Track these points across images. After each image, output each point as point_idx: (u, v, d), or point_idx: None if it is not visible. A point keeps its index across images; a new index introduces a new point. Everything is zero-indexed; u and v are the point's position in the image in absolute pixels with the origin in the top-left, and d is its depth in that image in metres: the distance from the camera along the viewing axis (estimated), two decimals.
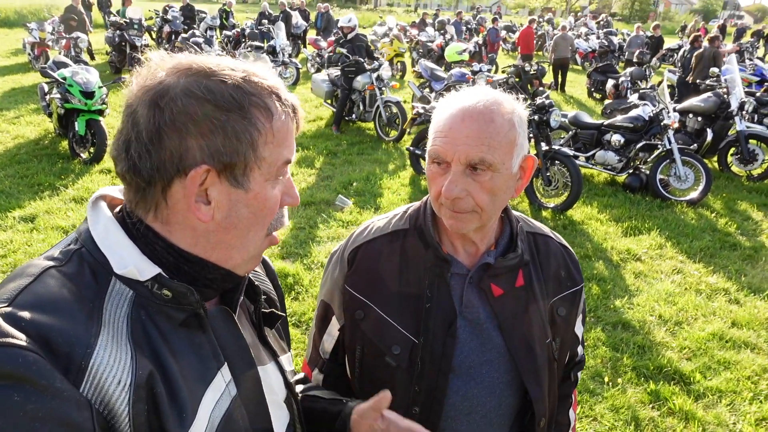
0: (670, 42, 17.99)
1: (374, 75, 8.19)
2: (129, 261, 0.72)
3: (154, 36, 17.44)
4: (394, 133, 8.24)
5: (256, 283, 0.92)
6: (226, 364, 0.79)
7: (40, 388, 0.59)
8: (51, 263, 0.70)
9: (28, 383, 0.58)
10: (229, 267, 0.80)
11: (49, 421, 0.59)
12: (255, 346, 0.88)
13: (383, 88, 8.21)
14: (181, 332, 0.74)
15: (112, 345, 0.67)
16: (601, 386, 3.19)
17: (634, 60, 12.21)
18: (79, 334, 0.64)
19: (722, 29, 19.99)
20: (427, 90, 9.20)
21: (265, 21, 15.54)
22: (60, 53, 11.08)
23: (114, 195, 0.81)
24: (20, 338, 0.60)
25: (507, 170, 1.04)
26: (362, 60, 8.37)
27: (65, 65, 7.30)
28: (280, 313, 0.96)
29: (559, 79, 13.38)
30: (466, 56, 11.40)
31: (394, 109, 8.08)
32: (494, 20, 17.90)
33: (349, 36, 8.79)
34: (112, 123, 8.30)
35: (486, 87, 1.08)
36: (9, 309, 0.62)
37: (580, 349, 1.35)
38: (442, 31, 17.72)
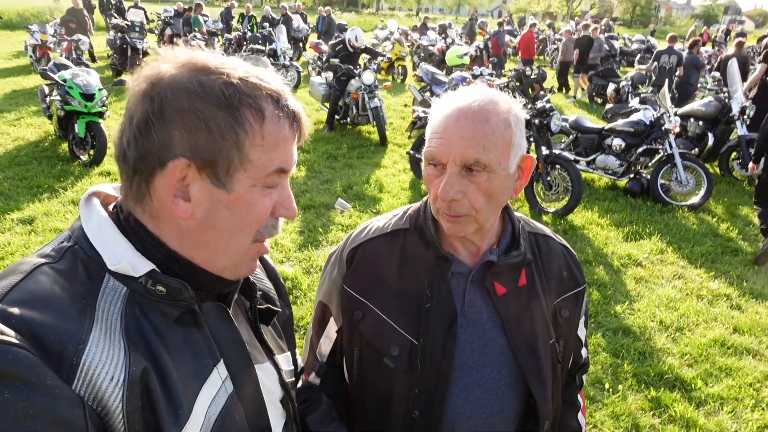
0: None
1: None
2: (122, 257, 0.71)
3: (156, 38, 17.48)
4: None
5: (252, 279, 0.91)
6: (222, 360, 0.78)
7: (30, 386, 0.58)
8: (43, 260, 0.70)
9: (19, 380, 0.57)
10: (214, 271, 0.78)
11: (40, 418, 0.58)
12: (252, 343, 0.88)
13: (375, 91, 8.31)
14: (176, 329, 0.74)
15: (105, 341, 0.66)
16: (602, 393, 3.16)
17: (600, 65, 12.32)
18: (71, 330, 0.64)
19: (726, 33, 20.02)
20: (428, 94, 9.18)
21: (266, 24, 15.56)
22: (61, 55, 11.09)
23: (107, 192, 0.81)
24: (10, 335, 0.59)
25: (504, 170, 1.02)
26: (352, 68, 8.53)
27: (66, 67, 7.30)
28: (275, 308, 0.94)
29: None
30: (467, 60, 11.39)
31: (377, 113, 8.26)
32: (500, 24, 17.72)
33: (356, 52, 8.95)
34: (112, 125, 8.29)
35: (482, 86, 1.06)
36: None
37: (584, 351, 1.32)
38: (443, 35, 17.72)
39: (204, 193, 0.72)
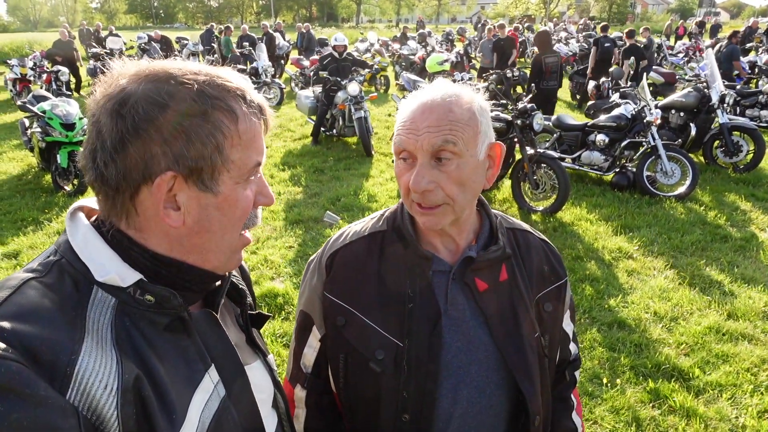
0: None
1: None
2: (110, 268, 0.72)
3: None
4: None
5: (240, 286, 0.94)
6: (213, 365, 0.80)
7: (24, 397, 0.58)
8: (31, 275, 0.70)
9: (13, 393, 0.58)
10: (208, 268, 0.80)
11: (34, 429, 0.59)
12: (241, 345, 0.90)
13: (361, 102, 8.32)
14: (166, 336, 0.75)
15: (97, 351, 0.67)
16: (600, 388, 3.14)
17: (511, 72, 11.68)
18: (63, 341, 0.65)
19: (701, 25, 20.32)
20: None
21: (246, 43, 15.60)
22: (42, 87, 11.06)
23: (91, 206, 0.82)
24: (3, 348, 0.60)
25: (473, 158, 1.02)
26: (340, 80, 8.56)
27: (45, 99, 7.27)
28: (267, 314, 0.99)
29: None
30: (447, 66, 11.44)
31: (361, 124, 8.28)
32: (501, 26, 17.52)
33: (344, 54, 9.01)
34: None
35: (445, 82, 1.07)
36: None
37: (572, 347, 1.31)
38: (423, 44, 17.83)
39: (192, 200, 0.74)
